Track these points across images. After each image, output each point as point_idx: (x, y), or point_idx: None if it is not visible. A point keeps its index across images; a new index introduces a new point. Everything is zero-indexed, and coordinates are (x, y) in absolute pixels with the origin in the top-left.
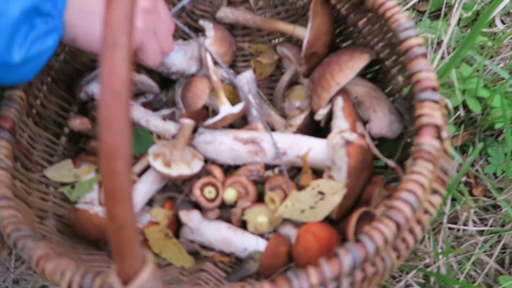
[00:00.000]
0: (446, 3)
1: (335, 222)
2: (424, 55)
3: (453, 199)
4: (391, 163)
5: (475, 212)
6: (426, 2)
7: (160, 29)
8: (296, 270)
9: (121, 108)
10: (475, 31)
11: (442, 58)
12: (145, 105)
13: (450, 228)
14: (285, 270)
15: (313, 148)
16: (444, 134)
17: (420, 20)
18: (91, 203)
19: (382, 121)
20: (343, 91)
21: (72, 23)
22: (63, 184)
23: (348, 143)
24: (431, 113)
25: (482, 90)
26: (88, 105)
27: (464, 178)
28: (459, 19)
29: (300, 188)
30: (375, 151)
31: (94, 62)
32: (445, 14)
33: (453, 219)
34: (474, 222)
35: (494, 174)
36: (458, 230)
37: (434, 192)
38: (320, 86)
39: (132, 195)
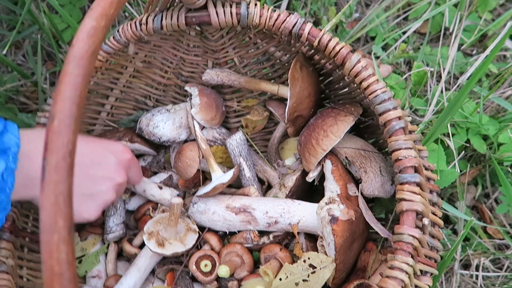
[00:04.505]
0: (446, 28)
1: None
2: (403, 130)
3: (467, 239)
4: (382, 233)
5: (492, 253)
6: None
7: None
8: None
9: (64, 286)
10: (461, 97)
11: (447, 89)
12: (143, 169)
13: (462, 275)
14: None
15: (304, 216)
16: (426, 221)
17: (421, 45)
18: (98, 276)
19: (373, 183)
20: (332, 153)
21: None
22: None
23: (333, 220)
24: (411, 197)
25: (489, 127)
26: None
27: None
28: (461, 44)
29: (294, 257)
30: (367, 217)
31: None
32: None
33: (467, 261)
34: (490, 263)
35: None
36: (471, 276)
37: (424, 273)
38: (307, 151)
39: None
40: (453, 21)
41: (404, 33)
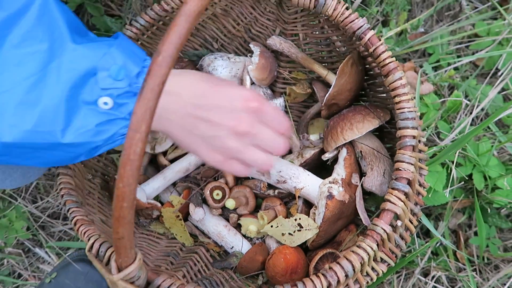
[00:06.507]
0: (498, 69)
1: (309, 250)
2: (412, 148)
3: (436, 254)
4: (365, 221)
5: (450, 272)
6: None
7: (264, 135)
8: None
9: (132, 170)
10: (469, 135)
11: (473, 125)
12: None
13: (419, 280)
14: (257, 274)
15: (308, 186)
16: (399, 223)
17: (470, 75)
18: None
19: (375, 180)
20: (350, 143)
21: None
22: (116, 151)
23: (329, 197)
24: (395, 201)
25: (492, 169)
26: None
27: (448, 240)
28: (505, 89)
29: (288, 214)
30: (358, 205)
31: None
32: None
33: (427, 271)
34: (446, 280)
35: None
36: (426, 283)
37: (383, 261)
38: (331, 135)
39: (131, 221)
40: (507, 65)
41: (458, 57)
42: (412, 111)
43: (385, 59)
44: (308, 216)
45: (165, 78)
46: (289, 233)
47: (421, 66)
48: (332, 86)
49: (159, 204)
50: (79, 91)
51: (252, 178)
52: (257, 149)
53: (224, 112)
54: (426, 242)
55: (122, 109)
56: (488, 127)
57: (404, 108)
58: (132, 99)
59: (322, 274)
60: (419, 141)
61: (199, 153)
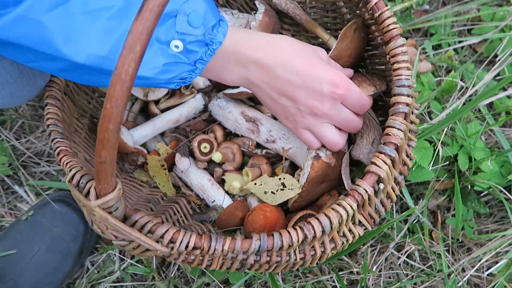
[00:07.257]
0: (496, 55)
1: (289, 211)
2: (405, 115)
3: (412, 232)
4: (347, 185)
5: (421, 249)
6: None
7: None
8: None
9: (122, 90)
10: (458, 113)
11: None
12: None
13: (393, 254)
14: (235, 229)
15: (296, 147)
16: (381, 186)
17: (469, 59)
18: None
19: (363, 148)
20: None
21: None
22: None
23: (316, 157)
24: (380, 164)
25: (478, 152)
26: None
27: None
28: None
29: (273, 174)
30: (343, 170)
31: None
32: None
33: (401, 247)
34: (418, 256)
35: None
36: (399, 257)
37: (361, 224)
38: None
39: (115, 145)
40: (506, 51)
41: (460, 42)
42: (409, 79)
43: (389, 24)
44: (293, 177)
45: (165, 2)
46: (272, 192)
47: (421, 45)
48: (332, 49)
49: (145, 151)
50: (156, 29)
51: (242, 135)
52: (331, 128)
53: (310, 93)
54: (406, 220)
55: (190, 55)
56: (479, 110)
57: (402, 75)
58: (202, 49)
59: (299, 227)
60: (412, 112)
61: (278, 116)
